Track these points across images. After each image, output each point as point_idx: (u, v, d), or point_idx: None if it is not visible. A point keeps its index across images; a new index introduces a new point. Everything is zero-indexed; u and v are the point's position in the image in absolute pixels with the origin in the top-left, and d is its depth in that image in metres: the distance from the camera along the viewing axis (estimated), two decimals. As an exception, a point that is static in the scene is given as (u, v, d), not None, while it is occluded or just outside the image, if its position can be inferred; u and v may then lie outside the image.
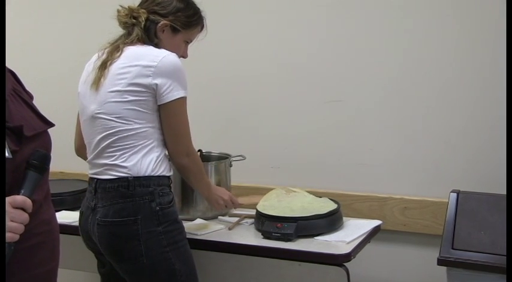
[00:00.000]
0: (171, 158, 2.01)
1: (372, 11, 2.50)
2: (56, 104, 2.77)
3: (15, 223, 1.27)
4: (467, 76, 2.38)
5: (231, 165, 2.47)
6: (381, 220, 2.36)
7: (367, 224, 2.28)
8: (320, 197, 2.37)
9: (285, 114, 2.68)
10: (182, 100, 1.94)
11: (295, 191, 2.40)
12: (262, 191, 2.47)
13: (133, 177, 1.91)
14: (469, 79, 2.38)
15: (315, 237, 2.13)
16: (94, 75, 1.97)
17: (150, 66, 1.90)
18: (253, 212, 2.31)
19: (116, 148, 1.93)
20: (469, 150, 2.40)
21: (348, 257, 2.01)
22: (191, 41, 2.13)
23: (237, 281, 2.16)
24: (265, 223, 2.17)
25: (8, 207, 1.26)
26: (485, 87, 2.36)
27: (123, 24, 2.03)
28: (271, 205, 2.28)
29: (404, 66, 2.47)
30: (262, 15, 2.68)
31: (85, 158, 2.08)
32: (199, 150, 2.16)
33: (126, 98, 1.91)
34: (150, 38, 2.01)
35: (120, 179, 1.92)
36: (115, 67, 1.94)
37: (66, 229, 2.16)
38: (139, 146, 1.93)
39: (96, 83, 1.95)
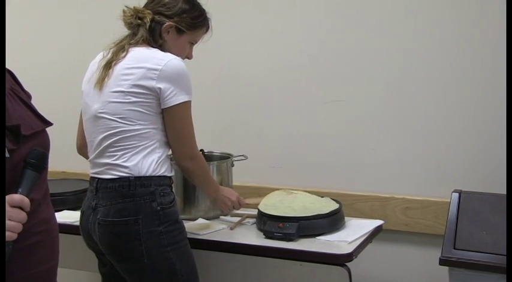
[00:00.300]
0: (176, 161, 2.01)
1: (373, 12, 2.50)
2: (57, 104, 2.78)
3: (13, 222, 1.27)
4: (468, 76, 2.38)
5: (232, 165, 2.47)
6: (382, 220, 2.36)
7: (369, 224, 2.28)
8: (322, 197, 2.36)
9: (287, 114, 2.68)
10: (186, 104, 1.93)
11: (296, 193, 2.39)
12: (264, 191, 2.47)
13: (135, 177, 1.91)
14: (470, 79, 2.38)
15: (317, 237, 2.13)
16: (98, 74, 1.97)
17: (155, 70, 1.89)
18: (255, 212, 2.30)
19: (118, 148, 1.93)
20: (470, 150, 2.40)
21: (349, 256, 2.00)
22: (196, 43, 2.12)
23: (239, 281, 2.16)
24: (267, 223, 2.17)
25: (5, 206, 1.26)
26: (486, 87, 2.36)
27: (128, 25, 2.03)
28: (273, 205, 2.27)
29: (406, 67, 2.47)
30: (266, 17, 2.68)
31: (86, 157, 2.08)
32: (201, 150, 2.16)
33: (129, 99, 1.91)
34: (155, 39, 2.01)
35: (121, 178, 1.92)
36: (119, 67, 1.93)
37: (68, 229, 2.17)
38: (141, 147, 1.93)
39: (100, 82, 1.95)
